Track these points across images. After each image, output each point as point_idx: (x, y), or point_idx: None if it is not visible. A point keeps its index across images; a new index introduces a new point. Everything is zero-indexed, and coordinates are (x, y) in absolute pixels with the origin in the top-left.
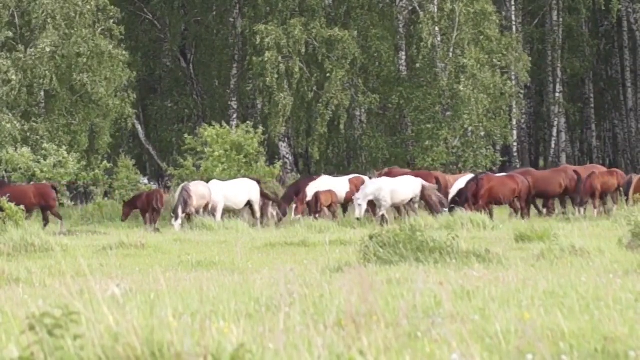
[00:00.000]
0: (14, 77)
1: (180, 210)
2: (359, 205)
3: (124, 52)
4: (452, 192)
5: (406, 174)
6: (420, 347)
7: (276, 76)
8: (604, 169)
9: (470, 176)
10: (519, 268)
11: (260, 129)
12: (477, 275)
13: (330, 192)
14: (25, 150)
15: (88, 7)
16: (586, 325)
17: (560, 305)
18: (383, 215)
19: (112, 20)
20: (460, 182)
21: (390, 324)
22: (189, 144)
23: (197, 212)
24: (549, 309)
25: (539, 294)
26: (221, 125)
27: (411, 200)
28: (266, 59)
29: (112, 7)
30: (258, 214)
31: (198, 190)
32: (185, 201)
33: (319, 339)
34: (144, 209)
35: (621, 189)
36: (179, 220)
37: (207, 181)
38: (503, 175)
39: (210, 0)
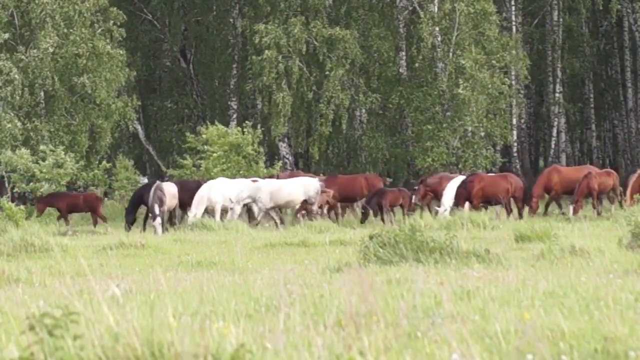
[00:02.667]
0: (16, 77)
1: (156, 210)
2: (231, 209)
3: (122, 52)
4: (447, 193)
5: (296, 176)
6: (420, 347)
7: (275, 75)
8: (598, 169)
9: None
10: (519, 268)
11: (259, 129)
12: (477, 275)
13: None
14: (24, 151)
15: (87, 5)
16: (586, 326)
17: (560, 306)
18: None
19: (112, 22)
20: (454, 184)
21: (390, 324)
22: (190, 143)
23: (169, 212)
24: (549, 309)
25: (539, 294)
26: (218, 127)
27: (306, 202)
28: (265, 57)
29: (114, 9)
30: (257, 214)
31: (169, 190)
32: (160, 199)
33: (318, 339)
34: (73, 210)
35: (621, 188)
36: (158, 220)
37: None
38: (495, 175)
39: (210, 0)
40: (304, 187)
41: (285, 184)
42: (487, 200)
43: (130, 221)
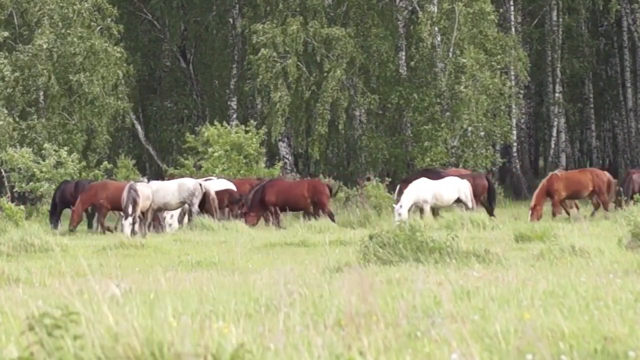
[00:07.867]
0: (8, 73)
1: (130, 210)
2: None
3: (120, 50)
4: (405, 195)
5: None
6: (420, 347)
7: (272, 75)
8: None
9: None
10: (519, 268)
11: (262, 129)
12: (476, 275)
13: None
14: (26, 149)
15: (86, 5)
16: (586, 325)
17: (560, 305)
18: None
19: (109, 19)
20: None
21: (390, 324)
22: (190, 143)
23: (143, 213)
24: (549, 309)
25: (539, 294)
26: (222, 125)
27: (155, 207)
28: (260, 55)
29: (109, 6)
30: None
31: (143, 191)
32: (134, 200)
33: (318, 339)
34: None
35: (620, 188)
36: (129, 219)
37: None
38: (292, 181)
39: (210, 0)
40: (179, 186)
41: (159, 185)
42: (283, 206)
43: (54, 221)
